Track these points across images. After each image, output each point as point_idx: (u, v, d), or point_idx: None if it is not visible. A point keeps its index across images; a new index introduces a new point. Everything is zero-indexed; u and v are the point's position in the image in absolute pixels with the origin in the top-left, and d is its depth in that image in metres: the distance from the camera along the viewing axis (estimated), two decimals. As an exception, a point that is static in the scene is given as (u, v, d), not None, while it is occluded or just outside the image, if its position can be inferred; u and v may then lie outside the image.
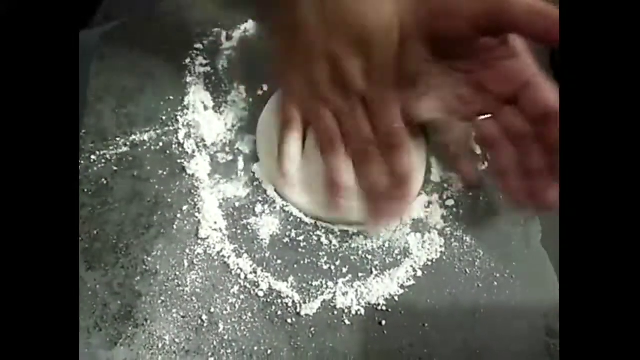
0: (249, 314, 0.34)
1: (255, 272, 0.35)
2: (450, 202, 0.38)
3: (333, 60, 0.36)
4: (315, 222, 0.37)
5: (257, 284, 0.35)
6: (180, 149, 0.38)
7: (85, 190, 0.36)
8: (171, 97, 0.40)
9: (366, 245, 0.37)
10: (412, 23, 0.35)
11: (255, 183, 0.38)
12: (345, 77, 0.36)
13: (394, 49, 0.36)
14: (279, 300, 0.34)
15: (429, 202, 0.38)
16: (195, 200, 0.37)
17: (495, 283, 0.36)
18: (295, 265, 0.35)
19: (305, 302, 0.34)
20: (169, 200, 0.37)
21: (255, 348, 0.33)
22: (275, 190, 0.38)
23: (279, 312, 0.34)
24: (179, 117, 0.40)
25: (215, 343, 0.33)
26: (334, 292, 0.35)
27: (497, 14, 0.32)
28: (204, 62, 0.42)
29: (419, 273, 0.36)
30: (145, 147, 0.38)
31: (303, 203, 0.37)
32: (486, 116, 0.37)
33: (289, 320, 0.34)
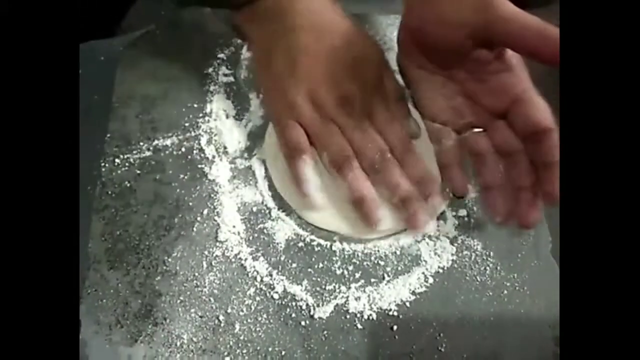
0: (264, 316, 0.35)
1: (271, 275, 0.36)
2: (463, 212, 0.39)
3: (337, 82, 0.38)
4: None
5: (272, 286, 0.36)
6: (202, 155, 0.40)
7: (109, 192, 0.38)
8: (194, 105, 0.42)
9: (379, 251, 0.37)
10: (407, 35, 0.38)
11: (272, 189, 0.39)
12: (349, 97, 0.38)
13: (386, 75, 0.39)
14: (293, 303, 0.35)
15: (442, 211, 0.39)
16: (215, 204, 0.38)
17: (505, 292, 0.37)
18: (310, 269, 0.36)
19: (318, 306, 0.35)
20: (190, 203, 0.38)
21: (270, 349, 0.34)
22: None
23: (293, 315, 0.35)
24: (200, 124, 0.41)
25: (231, 343, 0.34)
26: (347, 297, 0.36)
27: (490, 27, 0.33)
28: (227, 71, 0.43)
29: (430, 280, 0.37)
30: (167, 152, 0.40)
31: (335, 224, 0.38)
32: (478, 130, 0.37)
33: (303, 323, 0.35)
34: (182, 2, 0.47)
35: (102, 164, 0.39)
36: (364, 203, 0.36)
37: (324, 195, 0.38)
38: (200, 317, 0.34)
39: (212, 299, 0.35)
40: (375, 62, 0.40)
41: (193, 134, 0.40)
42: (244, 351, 0.33)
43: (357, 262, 0.37)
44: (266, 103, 0.41)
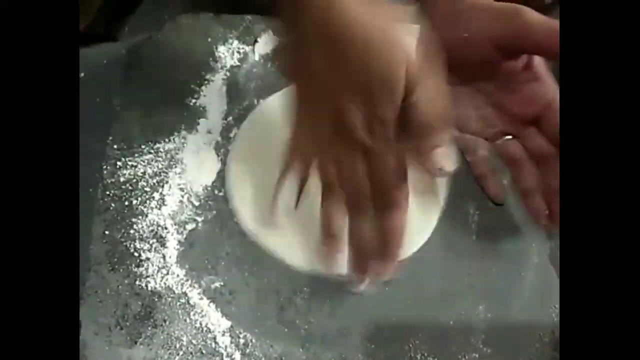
0: (264, 318, 0.35)
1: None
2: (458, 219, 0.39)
3: (339, 110, 0.33)
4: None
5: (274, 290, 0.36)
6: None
7: (110, 194, 0.38)
8: (194, 108, 0.42)
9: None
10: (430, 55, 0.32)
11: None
12: (347, 127, 0.33)
13: (398, 104, 0.32)
14: (293, 306, 0.35)
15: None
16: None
17: (504, 298, 0.37)
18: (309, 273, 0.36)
19: (319, 310, 0.35)
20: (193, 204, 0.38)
21: (269, 350, 0.34)
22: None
23: (293, 318, 0.35)
24: (199, 127, 0.41)
25: (230, 346, 0.34)
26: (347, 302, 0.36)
27: (518, 36, 0.33)
28: (230, 76, 0.44)
29: (424, 287, 0.36)
30: (169, 155, 0.40)
31: (294, 253, 0.36)
32: (509, 137, 0.38)
33: (303, 326, 0.35)
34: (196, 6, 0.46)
35: (104, 166, 0.39)
36: (331, 242, 0.34)
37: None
38: (200, 319, 0.34)
39: (212, 301, 0.35)
40: (389, 89, 0.32)
41: (193, 136, 0.41)
42: (243, 354, 0.34)
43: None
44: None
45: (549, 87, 0.36)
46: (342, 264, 0.35)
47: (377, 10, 0.32)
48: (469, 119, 0.39)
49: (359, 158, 0.33)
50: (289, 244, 0.36)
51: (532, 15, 0.33)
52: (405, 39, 0.31)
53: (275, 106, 0.40)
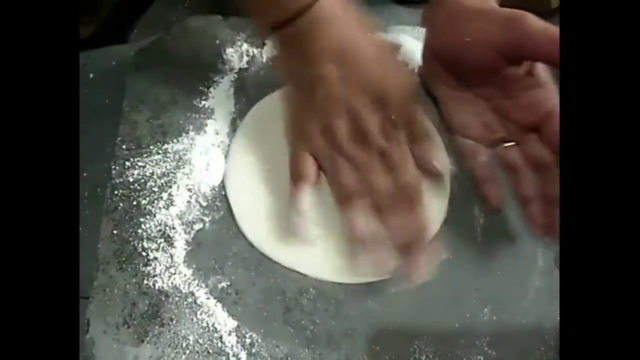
0: (271, 318, 0.35)
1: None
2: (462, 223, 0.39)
3: (353, 115, 0.36)
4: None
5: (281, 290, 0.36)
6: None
7: (119, 194, 0.38)
8: (202, 109, 0.42)
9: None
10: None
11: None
12: (365, 132, 0.36)
13: (412, 107, 0.37)
14: (299, 306, 0.36)
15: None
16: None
17: (508, 301, 0.37)
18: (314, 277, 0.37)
19: (325, 311, 0.36)
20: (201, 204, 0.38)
21: (275, 351, 0.34)
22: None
23: (299, 318, 0.35)
24: (207, 129, 0.41)
25: (237, 346, 0.34)
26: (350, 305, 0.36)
27: (522, 43, 0.33)
28: (237, 77, 0.44)
29: (428, 290, 0.36)
30: (177, 156, 0.40)
31: (326, 268, 0.37)
32: (510, 144, 0.38)
33: (309, 326, 0.35)
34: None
35: (113, 167, 0.39)
36: (363, 244, 0.35)
37: (317, 232, 0.37)
38: (207, 318, 0.35)
39: (218, 301, 0.35)
40: (400, 96, 0.37)
41: (201, 137, 0.41)
42: (249, 354, 0.34)
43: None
44: (286, 130, 0.39)
45: (550, 94, 0.36)
46: (383, 266, 0.36)
47: (366, 28, 0.37)
48: (471, 125, 0.39)
49: (376, 160, 0.36)
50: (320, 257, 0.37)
51: (535, 22, 0.33)
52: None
53: (269, 108, 0.42)
